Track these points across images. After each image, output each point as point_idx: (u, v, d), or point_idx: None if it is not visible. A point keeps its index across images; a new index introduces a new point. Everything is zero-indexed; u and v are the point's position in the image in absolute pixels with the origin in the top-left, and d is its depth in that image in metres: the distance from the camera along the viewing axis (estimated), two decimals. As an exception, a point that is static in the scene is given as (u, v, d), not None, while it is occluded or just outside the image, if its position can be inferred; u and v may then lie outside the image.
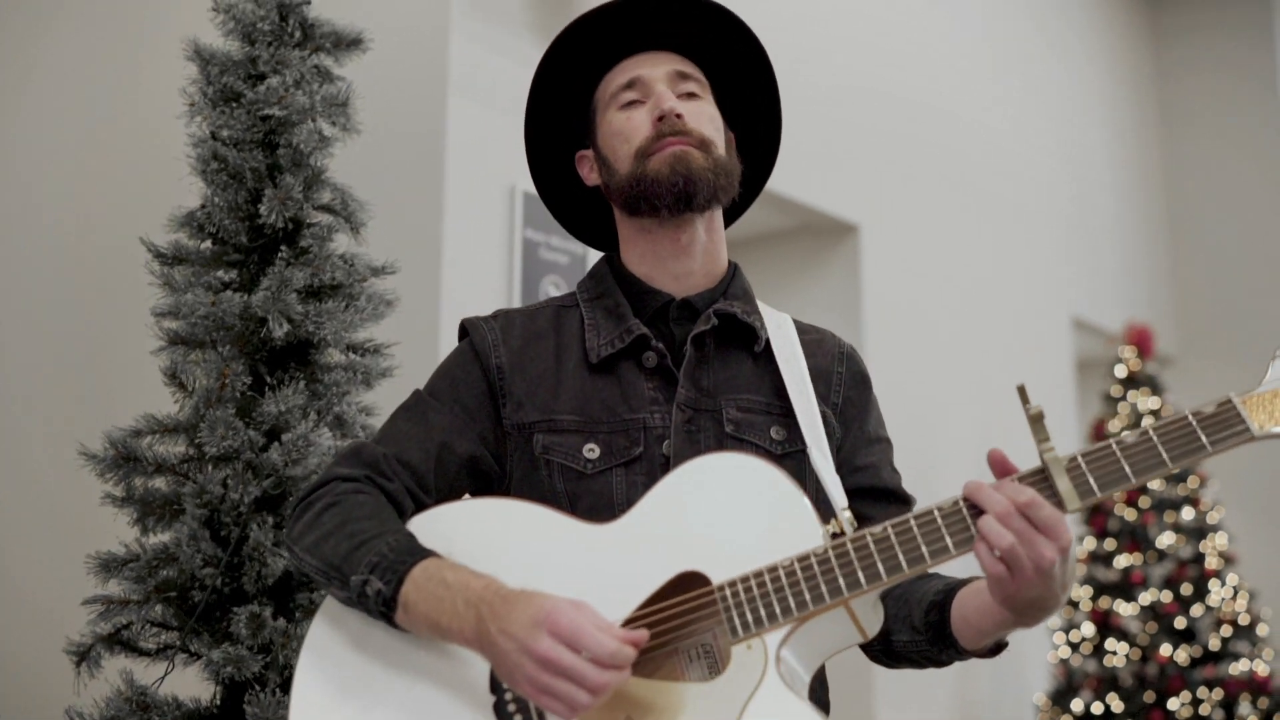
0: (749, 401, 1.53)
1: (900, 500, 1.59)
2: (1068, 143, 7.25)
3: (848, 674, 5.38)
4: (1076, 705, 5.88)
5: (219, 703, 2.13)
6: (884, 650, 1.52)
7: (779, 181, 5.37)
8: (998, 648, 1.45)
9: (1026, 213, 6.78)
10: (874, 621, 1.38)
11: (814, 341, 1.62)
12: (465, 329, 1.59)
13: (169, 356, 2.20)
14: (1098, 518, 6.14)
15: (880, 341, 5.77)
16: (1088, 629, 5.96)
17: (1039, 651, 6.26)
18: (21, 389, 3.25)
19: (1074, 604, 6.03)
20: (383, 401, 2.11)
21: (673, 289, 1.55)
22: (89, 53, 3.45)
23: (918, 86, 6.16)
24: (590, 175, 1.62)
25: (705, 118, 1.55)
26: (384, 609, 1.32)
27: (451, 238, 3.28)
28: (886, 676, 5.24)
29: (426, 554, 1.34)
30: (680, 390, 1.49)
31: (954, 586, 1.46)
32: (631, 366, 1.51)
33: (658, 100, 1.53)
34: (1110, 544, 6.07)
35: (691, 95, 1.56)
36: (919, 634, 1.46)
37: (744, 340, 1.56)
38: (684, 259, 1.55)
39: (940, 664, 1.49)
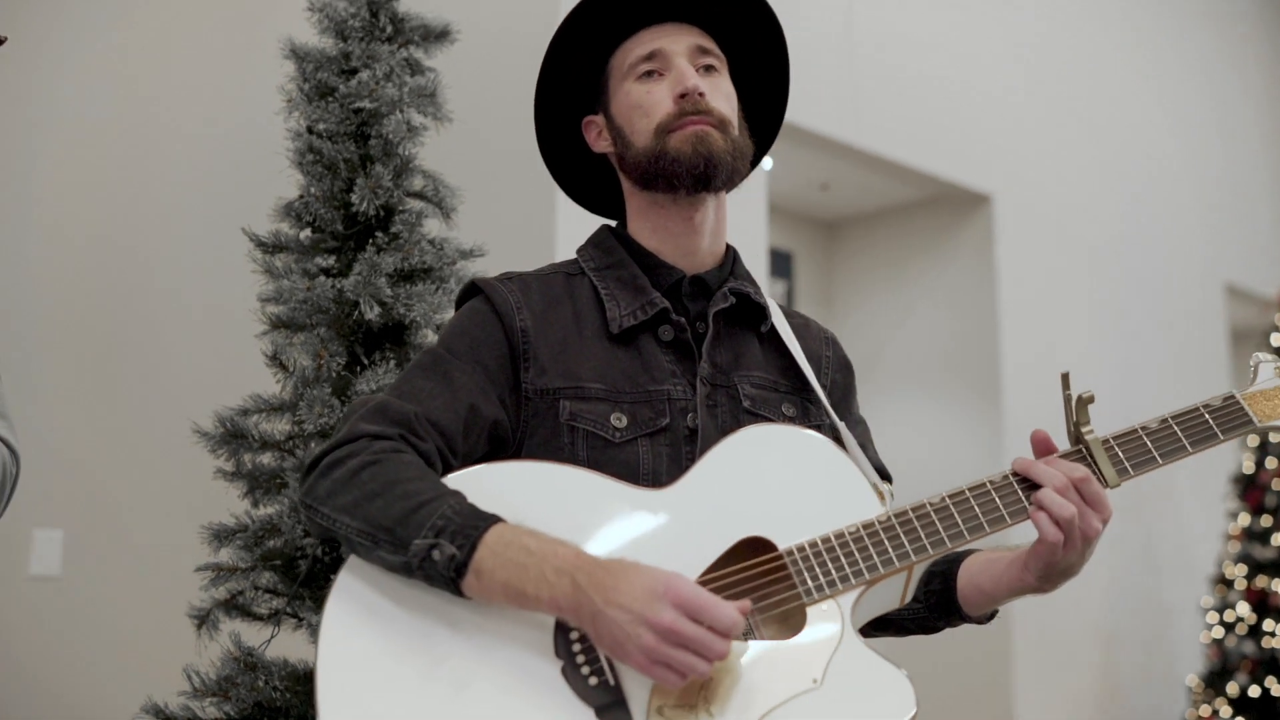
0: (760, 379, 1.56)
1: (884, 477, 1.60)
2: (1219, 105, 6.94)
3: (987, 655, 5.32)
4: (1232, 688, 5.67)
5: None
6: (872, 620, 1.51)
7: (906, 153, 5.35)
8: (992, 615, 1.57)
9: (1172, 178, 6.52)
10: (914, 587, 1.46)
11: (800, 326, 1.65)
12: (478, 287, 1.55)
13: (271, 340, 2.34)
14: (1253, 493, 5.89)
15: (1017, 313, 5.66)
16: (1243, 609, 5.73)
17: (1191, 631, 6.05)
18: (141, 372, 3.47)
19: (1228, 583, 5.81)
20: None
21: (682, 265, 1.56)
22: (194, 54, 3.65)
23: (1051, 51, 5.99)
24: (598, 142, 1.61)
25: (723, 95, 1.56)
26: (453, 575, 1.27)
27: (564, 221, 3.34)
28: (1027, 656, 5.15)
29: (495, 518, 1.30)
30: (702, 365, 1.52)
31: (954, 559, 1.54)
32: (649, 339, 1.52)
33: (680, 76, 1.51)
34: (1266, 520, 5.82)
35: (710, 69, 1.56)
36: (917, 602, 1.53)
37: (752, 320, 1.59)
38: (694, 236, 1.56)
39: (930, 631, 1.59)
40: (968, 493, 1.40)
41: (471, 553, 1.26)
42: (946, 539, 1.38)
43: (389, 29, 2.49)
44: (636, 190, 1.58)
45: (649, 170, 1.52)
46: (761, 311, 1.58)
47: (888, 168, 5.47)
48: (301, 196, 2.40)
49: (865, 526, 1.37)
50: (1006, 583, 1.47)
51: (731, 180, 1.55)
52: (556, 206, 3.30)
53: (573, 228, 3.31)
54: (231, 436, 2.31)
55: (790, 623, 1.36)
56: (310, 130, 2.41)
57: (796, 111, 4.89)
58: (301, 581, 2.23)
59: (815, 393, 1.57)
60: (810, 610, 1.34)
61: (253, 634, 2.27)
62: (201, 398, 2.48)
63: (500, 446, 1.48)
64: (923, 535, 1.37)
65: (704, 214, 1.56)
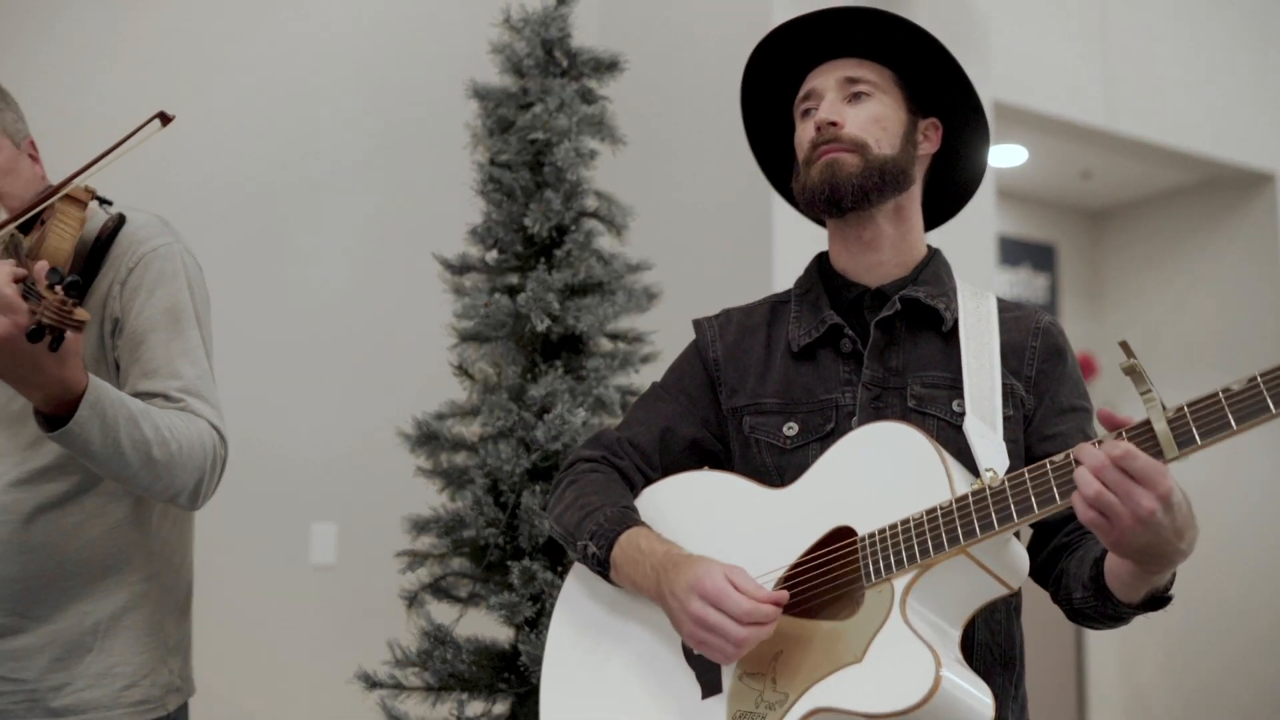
0: (934, 378, 1.63)
1: None
2: None
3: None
4: None
5: (513, 643, 2.52)
6: (1070, 610, 1.58)
7: (1179, 137, 5.12)
8: (1158, 601, 1.47)
9: None
10: (1012, 571, 1.47)
11: (1013, 318, 1.69)
12: (695, 324, 1.81)
13: (459, 352, 2.62)
14: None
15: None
16: None
17: None
18: (340, 379, 3.86)
19: None
20: (646, 384, 2.39)
21: (866, 280, 1.69)
22: (388, 94, 4.04)
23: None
24: None
25: (868, 119, 1.65)
26: (600, 568, 1.60)
27: (781, 231, 3.46)
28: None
29: (632, 523, 1.60)
30: (866, 371, 1.63)
31: None
32: (829, 353, 1.67)
33: (818, 111, 1.67)
34: None
35: (859, 96, 1.67)
36: (1088, 590, 1.52)
37: (932, 322, 1.66)
38: (872, 252, 1.69)
39: (1117, 620, 1.54)
40: (1026, 474, 1.39)
41: (609, 552, 1.59)
42: (996, 521, 1.38)
43: (564, 63, 2.72)
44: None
45: (803, 200, 1.70)
46: (937, 313, 1.65)
47: (1150, 152, 5.24)
48: (484, 222, 2.67)
49: (928, 513, 1.43)
50: (1121, 564, 1.42)
51: (866, 198, 1.64)
52: (771, 225, 3.43)
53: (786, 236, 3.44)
54: (428, 438, 2.61)
55: (857, 604, 1.47)
56: (492, 162, 2.68)
57: (1050, 101, 4.78)
58: (486, 567, 2.50)
59: (966, 386, 1.60)
60: (869, 593, 1.44)
61: (440, 613, 2.56)
62: (405, 404, 2.80)
63: (714, 459, 1.76)
64: (974, 519, 1.39)
65: (874, 230, 1.68)
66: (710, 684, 1.52)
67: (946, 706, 1.33)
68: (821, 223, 1.78)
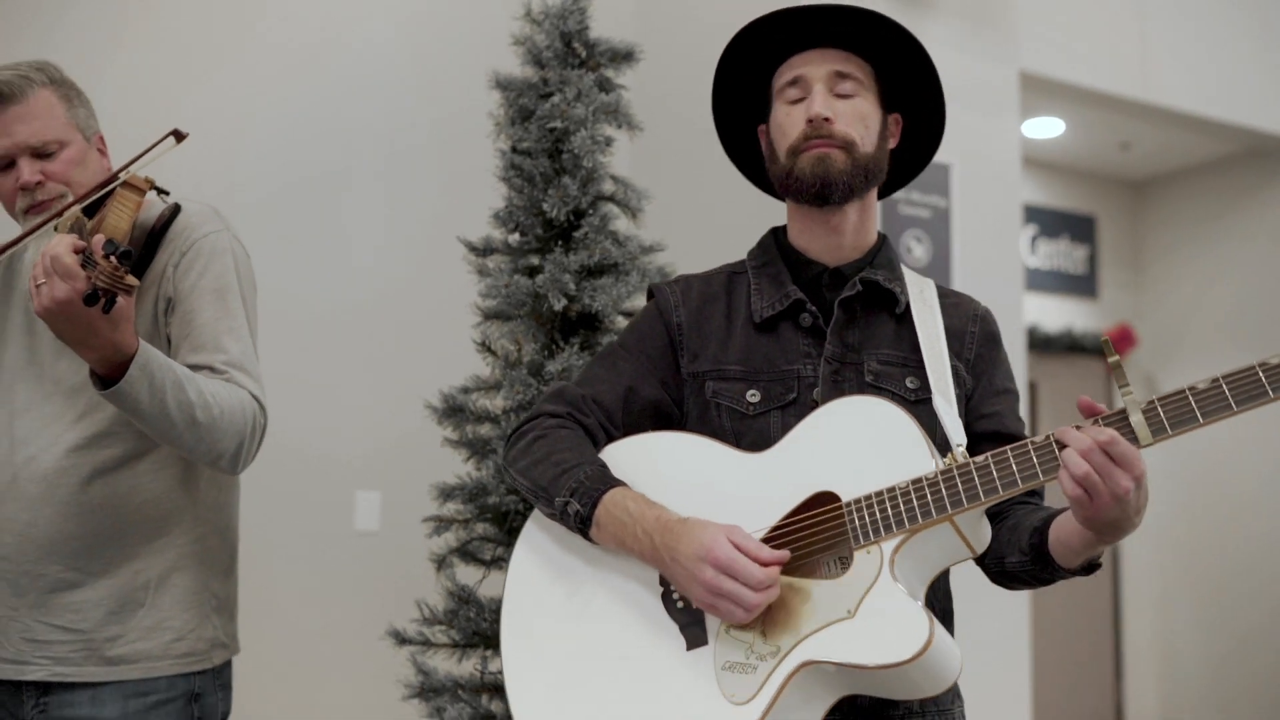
0: (888, 355, 1.75)
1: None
2: None
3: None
4: None
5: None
6: (999, 572, 1.73)
7: (1219, 108, 5.12)
8: (1091, 567, 1.66)
9: None
10: (980, 539, 1.62)
11: (952, 304, 1.83)
12: (651, 291, 1.86)
13: (482, 330, 2.78)
14: None
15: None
16: None
17: None
18: (382, 356, 4.05)
19: None
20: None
21: (826, 259, 1.79)
22: (416, 85, 4.20)
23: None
24: (767, 149, 1.83)
25: (854, 117, 1.74)
26: (581, 526, 1.64)
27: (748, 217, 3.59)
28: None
29: (614, 484, 1.64)
30: (828, 346, 1.74)
31: (1053, 514, 1.68)
32: (789, 326, 1.77)
33: (810, 102, 1.72)
34: None
35: (847, 95, 1.76)
36: (1024, 555, 1.68)
37: (886, 304, 1.78)
38: (835, 236, 1.79)
39: (1045, 582, 1.71)
40: (1010, 453, 1.54)
41: (593, 510, 1.63)
42: (981, 493, 1.53)
43: (582, 54, 2.85)
44: (786, 197, 1.84)
45: (783, 184, 1.77)
46: (893, 296, 1.78)
47: (1190, 123, 5.24)
48: (506, 206, 2.82)
49: (914, 483, 1.56)
50: (1075, 535, 1.59)
51: (853, 192, 1.74)
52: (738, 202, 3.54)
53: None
54: (454, 411, 2.77)
55: (843, 564, 1.60)
56: (514, 149, 2.82)
57: (1087, 73, 4.82)
58: (508, 532, 2.66)
59: (928, 366, 1.74)
60: (857, 554, 1.56)
61: (466, 575, 2.73)
62: (434, 378, 2.97)
63: (668, 421, 1.80)
64: (960, 489, 1.54)
65: (841, 218, 1.78)
66: (695, 637, 1.59)
67: (934, 661, 1.46)
68: (779, 197, 1.86)
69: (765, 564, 1.52)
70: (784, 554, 1.54)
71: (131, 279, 1.62)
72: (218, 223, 2.02)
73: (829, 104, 1.72)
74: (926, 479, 1.55)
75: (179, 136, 1.93)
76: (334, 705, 3.75)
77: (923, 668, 1.46)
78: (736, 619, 1.53)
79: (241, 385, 1.91)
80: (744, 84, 1.85)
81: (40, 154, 1.97)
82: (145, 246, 1.95)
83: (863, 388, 1.71)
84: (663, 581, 1.63)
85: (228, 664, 2.06)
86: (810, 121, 1.71)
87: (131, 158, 1.93)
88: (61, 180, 1.98)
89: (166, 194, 1.99)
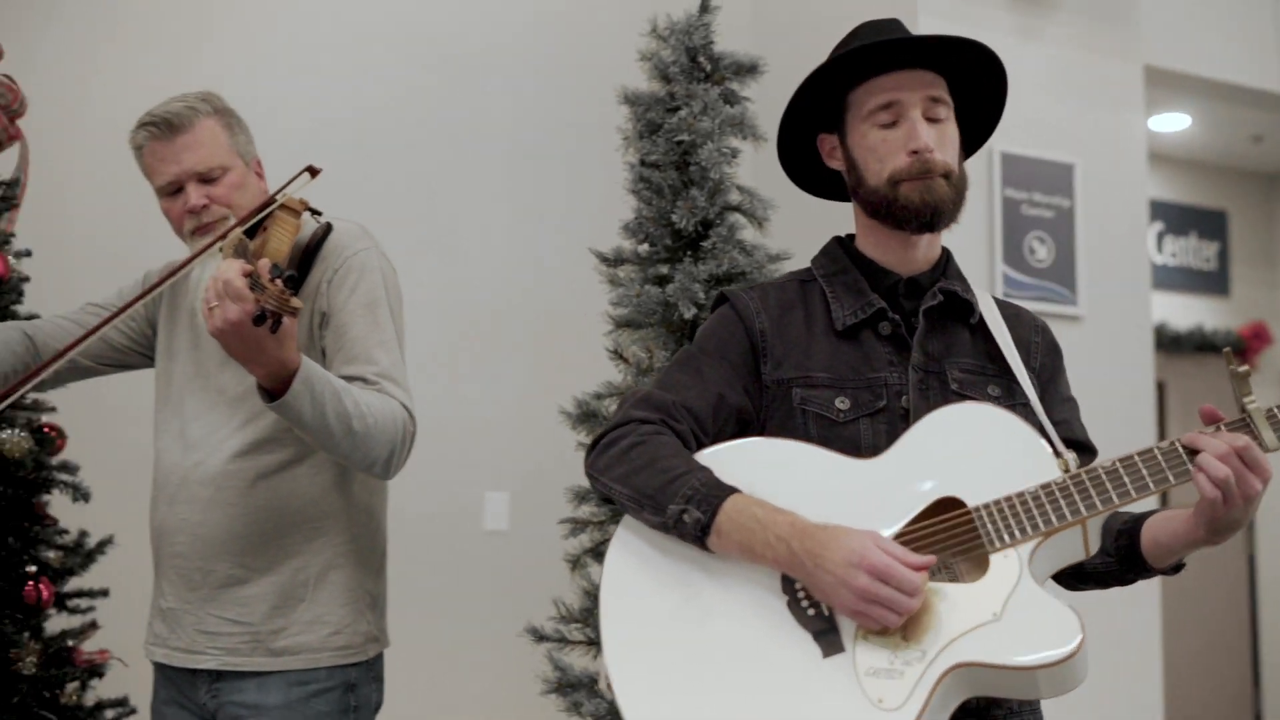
0: (968, 364, 1.79)
1: (1088, 450, 1.81)
2: None
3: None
4: None
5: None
6: (1073, 573, 1.76)
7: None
8: (1179, 567, 1.74)
9: None
10: (1096, 541, 1.67)
11: (1012, 315, 1.87)
12: (726, 297, 1.84)
13: (614, 338, 2.87)
14: None
15: None
16: None
17: None
18: (525, 363, 4.16)
19: None
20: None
21: (900, 270, 1.82)
22: (548, 103, 4.31)
23: None
24: (831, 160, 1.86)
25: (949, 143, 1.77)
26: (700, 534, 1.59)
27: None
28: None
29: (732, 490, 1.60)
30: (914, 354, 1.77)
31: (1139, 518, 1.73)
32: (870, 334, 1.78)
33: (913, 132, 1.72)
34: None
35: (939, 120, 1.77)
36: (1109, 556, 1.74)
37: (961, 314, 1.82)
38: (910, 249, 1.82)
39: (1125, 583, 1.78)
40: (1136, 458, 1.59)
41: (713, 518, 1.58)
42: (1115, 497, 1.58)
43: (707, 68, 2.92)
44: (865, 213, 1.85)
45: (879, 209, 1.78)
46: (970, 306, 1.83)
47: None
48: (636, 218, 2.91)
49: (1044, 487, 1.60)
50: (1181, 536, 1.65)
51: (954, 217, 1.79)
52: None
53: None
54: (587, 416, 2.87)
55: (976, 570, 1.62)
56: (642, 162, 2.91)
57: (1216, 65, 4.73)
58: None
59: (1018, 375, 1.79)
60: (993, 558, 1.59)
61: (599, 575, 2.81)
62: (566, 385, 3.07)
63: (746, 428, 1.77)
64: (1093, 494, 1.59)
65: (923, 237, 1.81)
66: (831, 644, 1.56)
67: (1080, 661, 1.50)
68: (835, 200, 1.91)
69: (916, 569, 1.53)
70: (930, 558, 1.55)
71: (296, 301, 1.72)
72: (366, 240, 2.13)
73: (928, 134, 1.73)
74: (1056, 484, 1.59)
75: (313, 172, 2.05)
76: (475, 698, 3.88)
77: (1071, 667, 1.49)
78: (889, 624, 1.52)
79: (392, 395, 2.00)
80: (815, 93, 1.84)
81: (205, 179, 2.09)
82: (301, 264, 2.07)
83: (948, 396, 1.73)
84: (787, 589, 1.60)
85: (379, 657, 2.17)
86: (915, 153, 1.72)
87: (280, 186, 2.06)
88: (224, 203, 2.10)
89: (319, 214, 2.11)
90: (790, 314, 1.80)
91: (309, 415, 1.85)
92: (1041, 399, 1.81)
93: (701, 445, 1.72)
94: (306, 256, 2.08)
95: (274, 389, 1.84)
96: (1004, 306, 1.87)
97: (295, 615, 2.05)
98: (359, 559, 2.13)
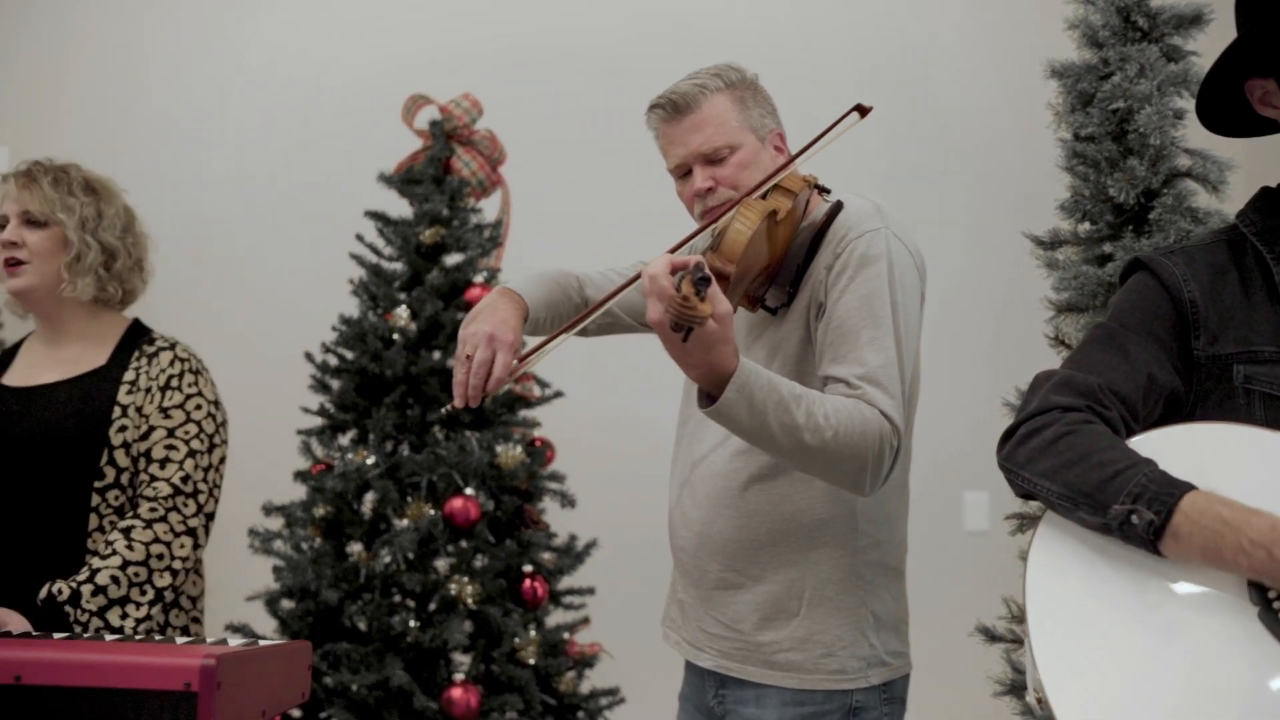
0: None
1: None
2: None
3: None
4: None
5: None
6: None
7: None
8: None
9: None
10: None
11: None
12: (1142, 263, 1.64)
13: (1055, 324, 2.73)
14: None
15: None
16: None
17: None
18: (981, 359, 3.93)
19: None
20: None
21: None
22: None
23: None
24: (1264, 107, 1.65)
25: None
26: (1152, 537, 1.39)
27: None
28: None
29: (1188, 486, 1.40)
30: None
31: None
32: None
33: None
34: None
35: None
36: None
37: None
38: None
39: None
40: None
41: (1168, 518, 1.38)
42: None
43: (1144, 26, 2.70)
44: None
45: None
46: None
47: None
48: (1072, 196, 2.75)
49: None
50: None
51: None
52: None
53: None
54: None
55: None
56: (1075, 137, 2.74)
57: None
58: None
59: None
60: None
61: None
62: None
63: (1174, 411, 1.58)
64: None
65: None
66: None
67: None
68: (1236, 135, 1.70)
69: None
70: None
71: (703, 308, 1.55)
72: (876, 221, 1.90)
73: None
74: None
75: (862, 111, 1.86)
76: (925, 699, 3.82)
77: None
78: None
79: (872, 402, 1.77)
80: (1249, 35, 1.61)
81: (711, 160, 1.95)
82: (809, 248, 1.94)
83: None
84: (1255, 598, 1.40)
85: (894, 684, 1.96)
86: None
87: (811, 139, 1.86)
88: (730, 185, 1.94)
89: (827, 191, 1.96)
90: (1223, 279, 1.59)
91: (746, 424, 1.70)
92: None
93: (1132, 433, 1.53)
94: (816, 240, 1.93)
95: (712, 393, 1.70)
96: None
97: (786, 630, 1.92)
98: (862, 575, 1.94)
